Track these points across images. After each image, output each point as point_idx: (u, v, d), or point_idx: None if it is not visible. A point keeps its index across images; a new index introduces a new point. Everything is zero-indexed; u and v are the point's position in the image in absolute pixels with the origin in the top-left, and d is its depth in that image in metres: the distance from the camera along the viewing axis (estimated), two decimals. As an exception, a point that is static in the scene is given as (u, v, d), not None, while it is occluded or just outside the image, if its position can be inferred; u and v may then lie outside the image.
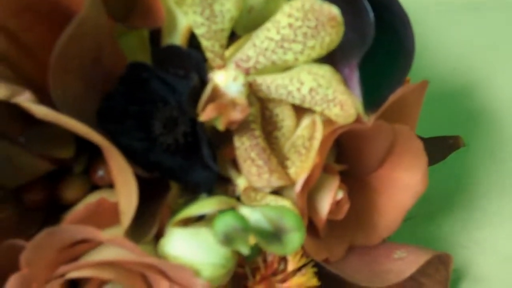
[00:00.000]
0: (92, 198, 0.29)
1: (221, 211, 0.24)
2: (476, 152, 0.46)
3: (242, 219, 0.22)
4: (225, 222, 0.22)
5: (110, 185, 0.29)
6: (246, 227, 0.22)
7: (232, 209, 0.25)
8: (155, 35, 0.30)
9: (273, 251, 0.26)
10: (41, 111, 0.24)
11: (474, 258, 0.41)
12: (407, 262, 0.33)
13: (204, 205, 0.25)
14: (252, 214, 0.24)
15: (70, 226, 0.24)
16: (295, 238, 0.24)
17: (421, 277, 0.36)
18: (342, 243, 0.32)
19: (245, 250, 0.23)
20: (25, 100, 0.24)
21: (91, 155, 0.30)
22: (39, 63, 0.28)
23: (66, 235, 0.25)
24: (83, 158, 0.30)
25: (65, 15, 0.27)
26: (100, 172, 0.30)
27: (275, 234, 0.24)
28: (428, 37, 0.51)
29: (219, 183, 0.30)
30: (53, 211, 0.31)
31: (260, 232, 0.24)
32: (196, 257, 0.25)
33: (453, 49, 0.51)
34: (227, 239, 0.23)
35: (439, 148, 0.41)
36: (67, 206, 0.30)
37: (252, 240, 0.24)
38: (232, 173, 0.30)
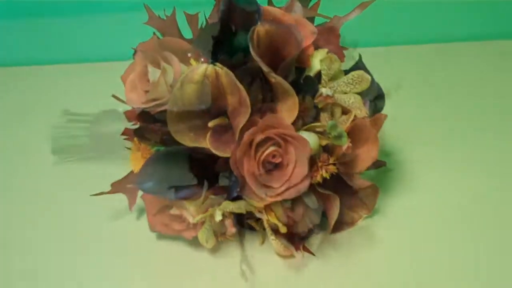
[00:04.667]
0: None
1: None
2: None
3: (336, 124, 0.73)
4: (333, 123, 0.73)
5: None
6: (336, 126, 0.73)
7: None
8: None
9: (336, 143, 0.76)
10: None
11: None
12: (363, 182, 0.83)
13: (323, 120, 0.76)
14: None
15: (276, 117, 0.74)
16: (345, 139, 0.75)
17: (366, 199, 0.86)
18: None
19: (335, 133, 0.73)
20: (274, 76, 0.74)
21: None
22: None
23: (269, 122, 0.74)
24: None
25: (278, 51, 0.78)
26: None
27: (338, 136, 0.75)
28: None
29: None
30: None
31: (335, 132, 0.74)
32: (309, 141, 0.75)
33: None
34: (331, 128, 0.73)
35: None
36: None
37: (335, 133, 0.74)
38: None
